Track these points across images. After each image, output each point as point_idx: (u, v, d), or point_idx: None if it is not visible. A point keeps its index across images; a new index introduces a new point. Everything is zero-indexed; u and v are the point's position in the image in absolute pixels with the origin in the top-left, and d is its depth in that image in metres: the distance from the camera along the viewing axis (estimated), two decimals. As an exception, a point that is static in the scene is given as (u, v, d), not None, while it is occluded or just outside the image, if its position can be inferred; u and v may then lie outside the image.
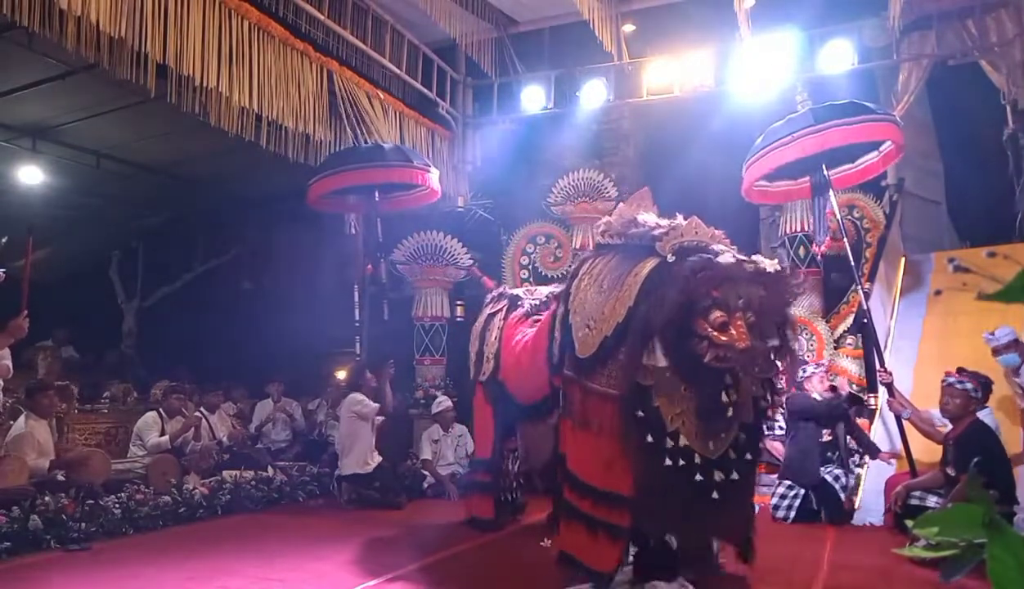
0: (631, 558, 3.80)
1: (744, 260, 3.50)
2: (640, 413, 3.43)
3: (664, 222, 3.73)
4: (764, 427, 3.71)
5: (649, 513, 3.55)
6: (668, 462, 3.41)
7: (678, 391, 3.43)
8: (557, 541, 3.90)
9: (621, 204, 4.17)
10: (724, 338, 3.28)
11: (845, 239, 6.09)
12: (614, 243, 3.94)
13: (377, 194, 7.45)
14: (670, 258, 3.51)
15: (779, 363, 3.59)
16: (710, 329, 3.31)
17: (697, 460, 3.41)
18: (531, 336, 4.82)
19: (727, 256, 3.47)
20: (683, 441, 3.41)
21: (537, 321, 5.04)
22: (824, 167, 5.98)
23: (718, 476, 3.44)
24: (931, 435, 5.35)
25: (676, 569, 3.79)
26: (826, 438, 6.07)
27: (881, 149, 6.14)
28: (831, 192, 6.01)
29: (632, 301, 3.51)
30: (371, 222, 7.57)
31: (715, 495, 3.43)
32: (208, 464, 6.66)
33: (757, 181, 6.32)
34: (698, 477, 3.42)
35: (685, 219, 3.71)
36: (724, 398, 3.38)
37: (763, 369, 3.50)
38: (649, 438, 3.42)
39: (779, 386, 3.77)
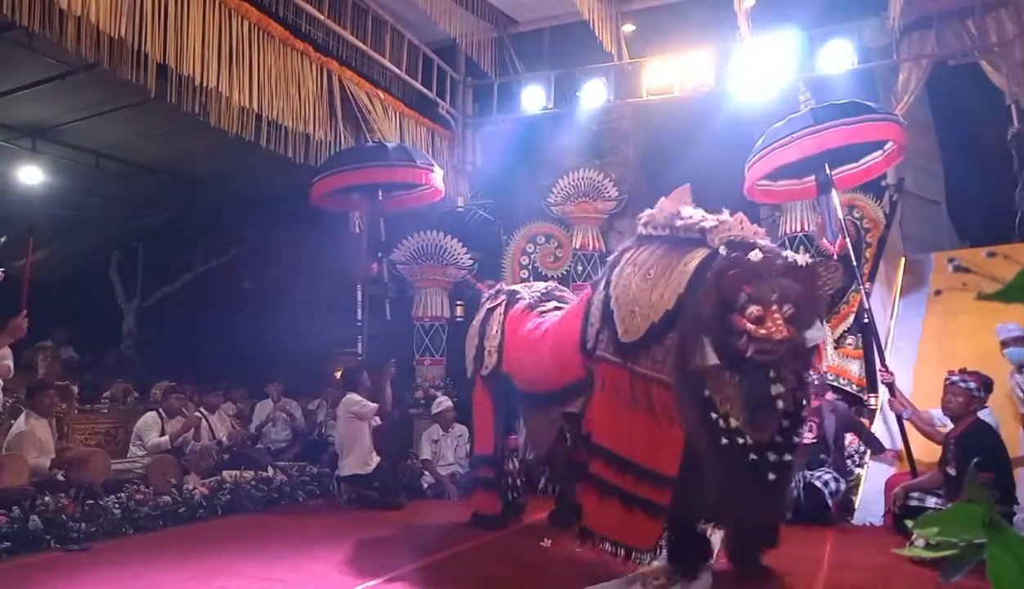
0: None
1: (774, 255, 3.59)
2: (706, 393, 3.50)
3: (712, 216, 3.84)
4: (803, 416, 3.73)
5: (715, 493, 3.59)
6: (725, 441, 3.46)
7: (725, 377, 3.49)
8: (584, 518, 3.95)
9: (662, 199, 4.23)
10: (762, 331, 3.37)
11: (847, 238, 6.10)
12: (657, 234, 4.02)
13: (380, 193, 7.42)
14: (722, 250, 3.61)
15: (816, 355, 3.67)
16: (748, 323, 3.40)
17: (749, 441, 3.45)
18: (553, 323, 4.81)
19: (755, 253, 3.55)
20: (733, 423, 3.45)
21: (544, 312, 5.07)
22: (827, 166, 5.95)
23: (772, 457, 3.46)
24: (931, 435, 5.35)
25: (708, 560, 3.89)
26: (809, 440, 6.09)
27: (885, 148, 6.12)
28: (834, 192, 6.00)
29: (683, 289, 3.63)
30: (374, 221, 7.52)
31: (772, 477, 3.45)
32: (208, 464, 6.66)
33: (758, 181, 6.31)
34: (753, 457, 3.44)
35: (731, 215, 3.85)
36: (772, 391, 3.38)
37: (805, 360, 3.58)
38: (713, 415, 3.47)
39: (812, 376, 3.84)
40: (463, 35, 8.60)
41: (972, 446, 4.51)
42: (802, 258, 3.69)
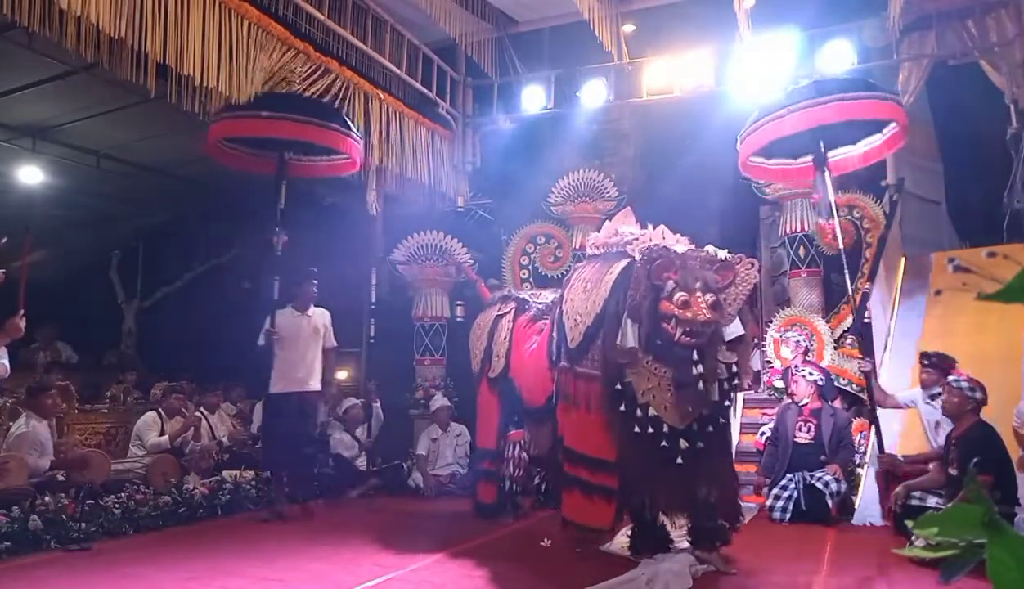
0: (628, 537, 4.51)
1: (696, 250, 4.16)
2: (617, 387, 4.03)
3: (637, 231, 4.50)
4: (728, 402, 4.20)
5: (626, 476, 4.17)
6: (637, 430, 3.97)
7: (649, 369, 4.00)
8: (563, 509, 4.50)
9: (607, 222, 4.88)
10: (688, 314, 3.86)
11: (836, 221, 5.91)
12: (599, 253, 4.69)
13: (288, 155, 6.53)
14: (638, 257, 4.15)
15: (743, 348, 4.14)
16: (675, 308, 3.89)
17: (664, 429, 3.95)
18: (537, 346, 5.19)
19: (679, 246, 4.14)
20: (652, 412, 3.95)
21: (543, 328, 5.32)
22: (821, 144, 5.78)
23: (683, 444, 3.96)
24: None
25: (667, 543, 4.39)
26: (803, 440, 6.10)
27: (884, 131, 5.96)
28: (827, 172, 5.82)
29: (607, 294, 4.21)
30: (276, 186, 6.47)
31: (680, 461, 3.96)
32: (208, 464, 6.66)
33: (753, 155, 6.12)
34: (664, 444, 3.95)
35: (670, 226, 4.45)
36: (694, 371, 3.86)
37: (727, 343, 4.02)
38: (622, 408, 4.01)
39: (742, 370, 4.21)
40: (463, 35, 8.59)
41: (973, 446, 4.51)
42: (721, 253, 4.17)
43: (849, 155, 6.26)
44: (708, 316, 3.86)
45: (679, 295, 3.90)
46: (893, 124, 5.82)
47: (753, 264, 4.22)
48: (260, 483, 6.56)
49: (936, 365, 5.45)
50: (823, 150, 5.84)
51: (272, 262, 6.35)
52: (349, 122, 6.70)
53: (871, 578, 4.16)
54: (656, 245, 4.15)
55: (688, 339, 3.85)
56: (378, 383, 8.42)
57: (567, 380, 4.43)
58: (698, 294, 3.90)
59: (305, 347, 6.15)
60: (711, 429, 4.07)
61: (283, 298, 6.25)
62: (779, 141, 5.82)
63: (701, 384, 3.87)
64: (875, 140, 6.10)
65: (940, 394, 5.25)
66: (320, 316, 6.34)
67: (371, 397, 8.19)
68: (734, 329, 4.05)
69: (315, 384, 6.16)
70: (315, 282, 6.29)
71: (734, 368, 4.09)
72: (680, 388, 3.90)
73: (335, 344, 6.44)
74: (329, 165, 7.00)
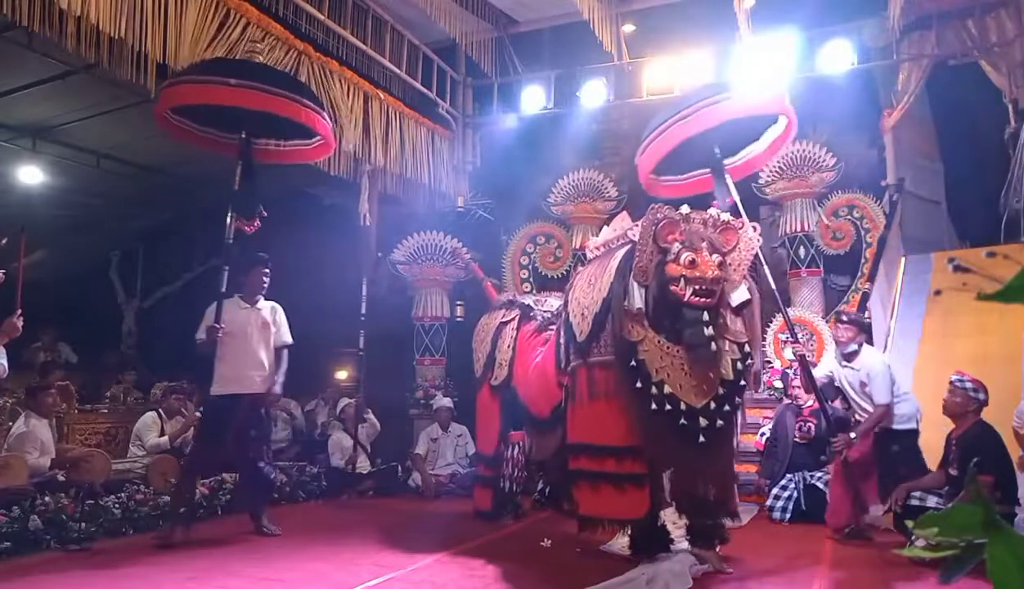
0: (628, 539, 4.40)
1: (699, 212, 4.12)
2: (632, 364, 3.93)
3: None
4: (743, 383, 4.11)
5: (648, 457, 4.04)
6: (654, 407, 3.87)
7: (661, 348, 3.93)
8: (581, 509, 4.31)
9: (605, 228, 4.85)
10: (696, 273, 3.84)
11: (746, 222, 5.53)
12: (600, 252, 4.69)
13: (248, 136, 5.67)
14: (635, 238, 4.11)
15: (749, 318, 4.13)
16: (682, 269, 3.86)
17: (682, 407, 3.85)
18: (542, 357, 5.12)
19: (684, 207, 4.12)
20: (667, 389, 3.86)
21: (547, 339, 5.29)
22: (717, 150, 5.43)
23: (703, 422, 3.87)
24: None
25: (667, 543, 4.31)
26: (803, 440, 6.11)
27: (767, 135, 5.65)
28: (727, 176, 5.46)
29: (612, 278, 4.18)
30: (245, 170, 5.79)
31: (702, 440, 3.87)
32: (208, 464, 6.65)
33: (652, 171, 5.76)
34: (683, 422, 3.86)
35: None
36: (707, 331, 3.80)
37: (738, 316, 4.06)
38: (639, 384, 3.90)
39: (752, 351, 4.17)
40: (463, 35, 8.60)
41: (973, 446, 4.51)
42: (724, 215, 4.16)
43: (735, 164, 5.80)
44: (716, 274, 3.85)
45: (686, 255, 3.88)
46: (773, 131, 5.54)
47: (756, 228, 4.22)
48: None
49: (855, 322, 5.50)
50: (719, 155, 5.47)
51: (224, 250, 5.57)
52: (320, 100, 6.00)
53: (871, 578, 4.16)
54: (660, 206, 4.10)
55: (697, 299, 3.82)
56: (361, 393, 7.85)
57: (581, 376, 4.33)
58: (704, 253, 3.89)
59: (254, 343, 5.41)
60: (728, 409, 4.00)
61: (231, 289, 5.51)
62: (677, 153, 5.37)
63: (715, 344, 3.82)
64: (757, 147, 5.75)
65: (856, 353, 5.41)
66: (270, 310, 5.61)
67: (361, 408, 7.64)
68: (740, 294, 4.03)
69: (266, 385, 5.44)
70: (266, 270, 5.55)
71: (746, 348, 4.05)
72: (693, 350, 3.83)
73: (289, 341, 5.63)
74: (301, 149, 6.12)
